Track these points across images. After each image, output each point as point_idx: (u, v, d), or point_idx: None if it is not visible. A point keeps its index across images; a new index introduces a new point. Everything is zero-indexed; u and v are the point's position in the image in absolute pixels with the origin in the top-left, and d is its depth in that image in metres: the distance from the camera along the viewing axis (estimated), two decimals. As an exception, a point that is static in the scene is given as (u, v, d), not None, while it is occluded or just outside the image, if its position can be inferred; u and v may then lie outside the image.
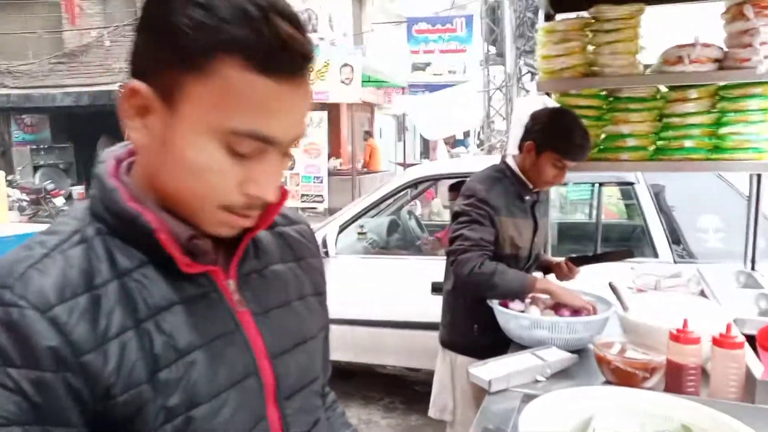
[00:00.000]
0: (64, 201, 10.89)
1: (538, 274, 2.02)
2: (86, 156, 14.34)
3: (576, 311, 1.73)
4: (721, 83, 2.03)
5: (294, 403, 0.72)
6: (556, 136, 1.83)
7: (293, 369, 0.72)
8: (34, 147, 13.52)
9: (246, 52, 0.55)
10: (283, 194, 0.69)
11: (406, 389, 3.63)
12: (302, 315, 0.77)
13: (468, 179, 2.01)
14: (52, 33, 13.36)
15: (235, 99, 0.56)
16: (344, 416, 0.94)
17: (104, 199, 0.63)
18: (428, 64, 14.13)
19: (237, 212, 0.62)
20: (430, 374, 2.19)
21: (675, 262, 2.88)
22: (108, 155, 0.67)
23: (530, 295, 1.83)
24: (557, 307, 1.78)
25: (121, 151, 0.69)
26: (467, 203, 1.89)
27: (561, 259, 2.10)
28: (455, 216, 1.92)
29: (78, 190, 13.69)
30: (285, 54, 0.56)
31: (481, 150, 10.85)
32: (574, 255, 2.10)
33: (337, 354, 2.89)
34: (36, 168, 13.37)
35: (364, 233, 3.95)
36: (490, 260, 1.80)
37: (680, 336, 1.30)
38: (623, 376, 1.35)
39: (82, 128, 14.06)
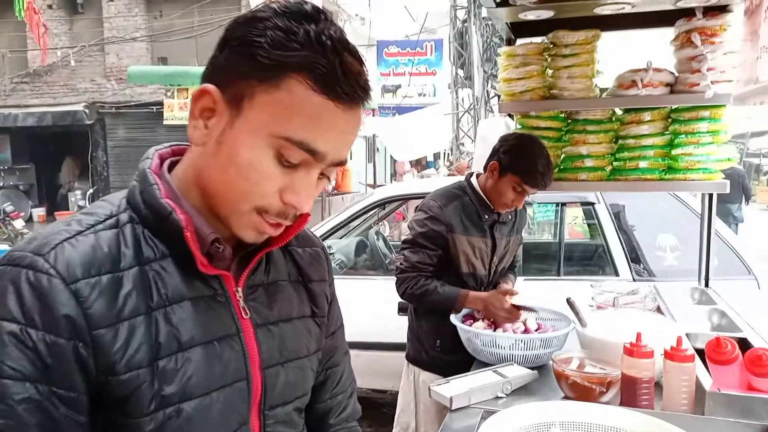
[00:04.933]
0: (24, 223, 10.56)
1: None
2: (48, 177, 14.00)
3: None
4: (673, 106, 2.11)
5: (276, 414, 0.76)
6: (520, 161, 1.87)
7: (282, 382, 0.76)
8: (-6, 168, 13.14)
9: (313, 72, 0.62)
10: (304, 218, 0.74)
11: (374, 411, 3.59)
12: (300, 333, 0.81)
13: (429, 194, 2.04)
14: (16, 52, 13.10)
15: (295, 111, 0.63)
16: None
17: (144, 191, 0.68)
18: (398, 87, 14.32)
19: (269, 218, 0.67)
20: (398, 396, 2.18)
21: (634, 279, 2.94)
22: (153, 153, 0.74)
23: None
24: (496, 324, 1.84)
25: (165, 150, 0.76)
26: (417, 221, 1.96)
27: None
28: (409, 229, 2.00)
29: (39, 212, 13.30)
30: (346, 81, 0.63)
31: (450, 172, 10.97)
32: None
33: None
34: (-5, 189, 12.98)
35: (332, 254, 3.94)
36: (427, 279, 1.90)
37: (634, 350, 1.33)
38: (581, 391, 1.37)
39: (44, 149, 13.74)
